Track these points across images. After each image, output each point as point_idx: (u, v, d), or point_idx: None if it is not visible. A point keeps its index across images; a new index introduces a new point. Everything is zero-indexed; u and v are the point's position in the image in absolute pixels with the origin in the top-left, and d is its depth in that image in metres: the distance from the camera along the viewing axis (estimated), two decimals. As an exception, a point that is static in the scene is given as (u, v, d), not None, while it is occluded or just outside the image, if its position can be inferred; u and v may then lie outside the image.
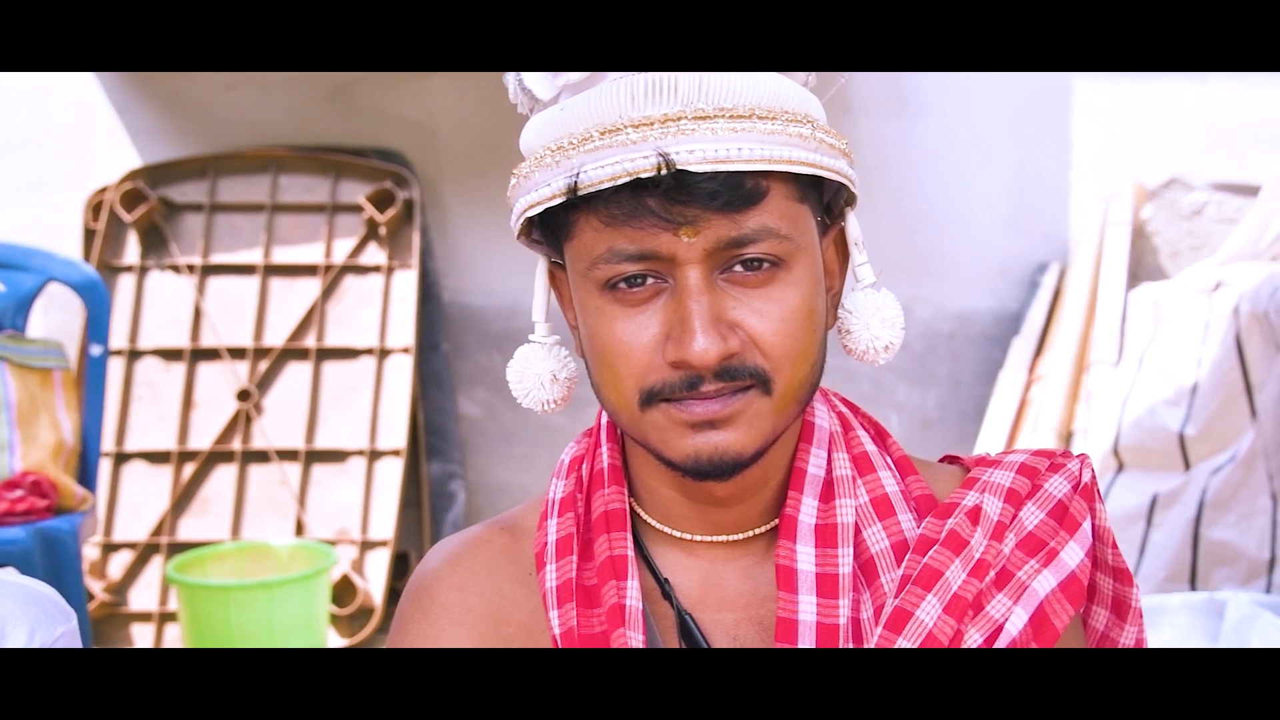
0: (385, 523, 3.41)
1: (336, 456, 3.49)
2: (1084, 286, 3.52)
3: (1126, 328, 3.28)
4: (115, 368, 3.45)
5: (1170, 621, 2.23)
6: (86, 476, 2.51)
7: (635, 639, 0.95)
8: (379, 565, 3.38)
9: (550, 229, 0.95)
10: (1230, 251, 3.16)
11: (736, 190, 0.87)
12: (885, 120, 3.75)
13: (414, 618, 1.03)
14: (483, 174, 3.74)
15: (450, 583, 1.02)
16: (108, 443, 3.40)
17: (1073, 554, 0.96)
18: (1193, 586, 2.62)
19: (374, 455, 3.47)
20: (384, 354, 3.53)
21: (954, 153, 3.80)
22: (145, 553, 3.41)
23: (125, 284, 3.57)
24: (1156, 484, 2.77)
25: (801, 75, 0.96)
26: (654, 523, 1.02)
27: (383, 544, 3.40)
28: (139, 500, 3.46)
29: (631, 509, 1.02)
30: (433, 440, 3.65)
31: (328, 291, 3.59)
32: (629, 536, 0.99)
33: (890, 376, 3.80)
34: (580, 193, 0.88)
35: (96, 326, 2.59)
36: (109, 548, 3.40)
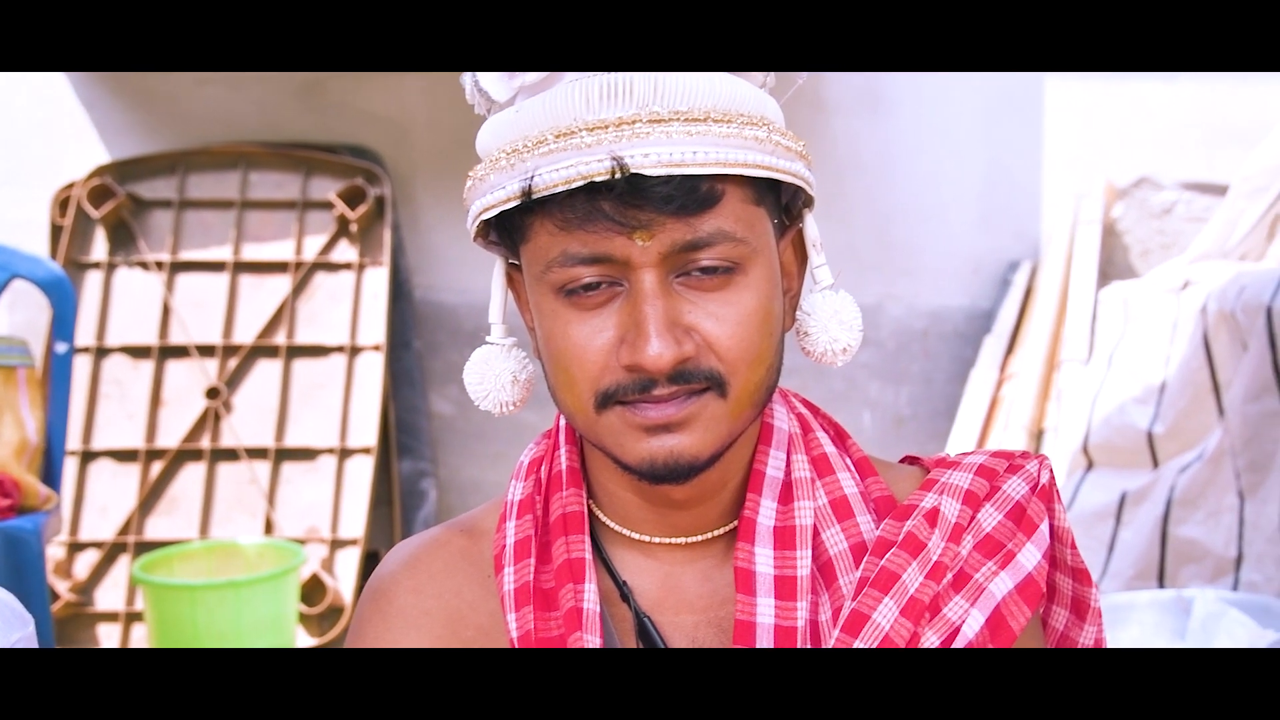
0: (355, 521, 3.40)
1: (306, 455, 3.47)
2: (1055, 284, 3.53)
3: (1096, 326, 3.30)
4: (82, 365, 3.43)
5: (1138, 619, 2.24)
6: (51, 475, 2.49)
7: (593, 642, 0.94)
8: (349, 564, 3.37)
9: (506, 231, 0.94)
10: (1199, 250, 3.18)
11: (691, 194, 0.86)
12: (858, 118, 3.76)
13: (371, 621, 1.02)
14: (455, 171, 3.71)
15: (407, 585, 1.02)
16: (74, 441, 3.38)
17: (1030, 556, 0.97)
18: (1161, 584, 2.64)
19: (344, 453, 3.45)
20: (355, 351, 3.52)
21: (926, 151, 3.81)
22: (112, 552, 3.38)
23: (93, 280, 3.55)
24: (1125, 482, 2.78)
25: (759, 76, 0.95)
26: (613, 525, 1.02)
27: (353, 543, 3.38)
28: (106, 499, 3.43)
29: (590, 511, 1.02)
30: (404, 438, 3.63)
31: (298, 289, 3.57)
32: (587, 539, 0.99)
33: (863, 374, 3.81)
34: (535, 196, 0.88)
35: (62, 324, 2.57)
36: (75, 547, 3.38)
